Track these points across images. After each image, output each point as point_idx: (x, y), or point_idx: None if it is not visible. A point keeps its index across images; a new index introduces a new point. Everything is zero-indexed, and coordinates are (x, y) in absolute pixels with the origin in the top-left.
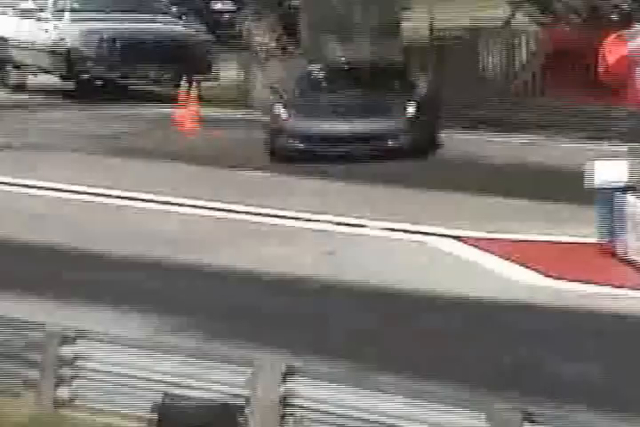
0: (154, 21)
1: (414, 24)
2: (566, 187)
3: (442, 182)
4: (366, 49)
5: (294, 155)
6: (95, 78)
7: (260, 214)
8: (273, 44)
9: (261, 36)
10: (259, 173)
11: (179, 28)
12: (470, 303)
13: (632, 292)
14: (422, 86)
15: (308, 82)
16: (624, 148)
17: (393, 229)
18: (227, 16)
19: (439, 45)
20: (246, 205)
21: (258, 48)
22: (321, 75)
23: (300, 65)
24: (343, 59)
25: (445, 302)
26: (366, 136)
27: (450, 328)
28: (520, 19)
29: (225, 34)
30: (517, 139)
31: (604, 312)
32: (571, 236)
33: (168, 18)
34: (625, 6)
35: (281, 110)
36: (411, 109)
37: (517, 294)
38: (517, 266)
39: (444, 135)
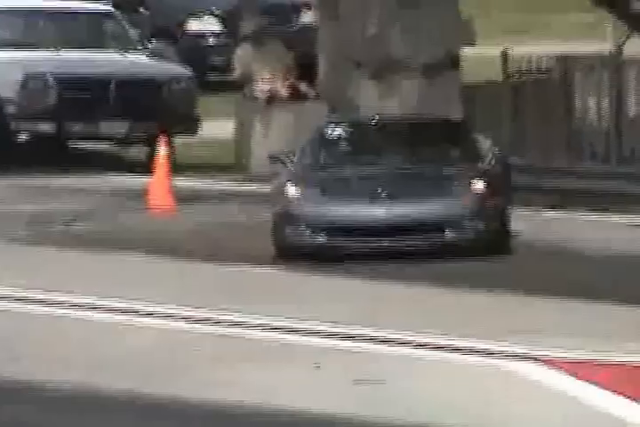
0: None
1: (478, 57)
2: None
3: (517, 284)
4: (412, 91)
5: (308, 251)
6: (22, 132)
7: (265, 327)
8: (278, 83)
9: (261, 69)
10: (263, 270)
11: (143, 59)
12: None
13: None
14: (490, 149)
15: (325, 145)
16: None
17: (458, 349)
18: (210, 40)
19: (515, 84)
20: (244, 315)
21: (256, 88)
22: (345, 134)
23: (316, 114)
24: (374, 115)
25: None
26: (414, 225)
27: None
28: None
29: (207, 67)
30: (629, 219)
31: None
32: None
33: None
34: None
35: (288, 187)
36: (479, 186)
37: None
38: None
39: (522, 214)
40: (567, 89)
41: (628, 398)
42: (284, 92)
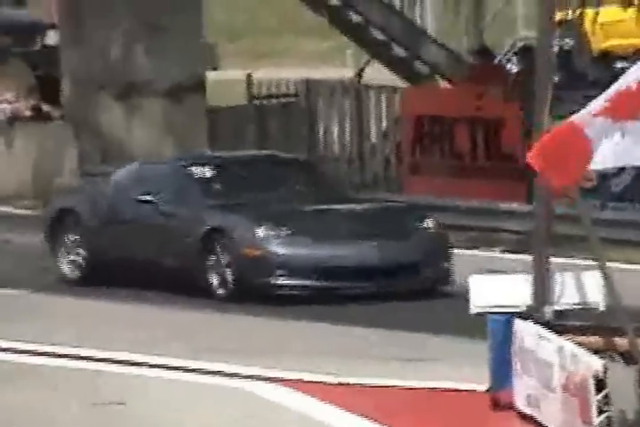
0: None
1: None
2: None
3: None
4: (157, 113)
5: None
6: None
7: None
8: (21, 103)
9: (3, 89)
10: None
11: None
12: None
13: None
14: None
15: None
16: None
17: (198, 370)
18: None
19: (259, 108)
20: None
21: None
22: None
23: (60, 134)
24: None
25: None
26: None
27: None
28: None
29: None
30: None
31: None
32: (449, 381)
33: None
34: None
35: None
36: (434, 224)
37: None
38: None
39: None
40: (310, 113)
41: (369, 418)
42: (26, 112)
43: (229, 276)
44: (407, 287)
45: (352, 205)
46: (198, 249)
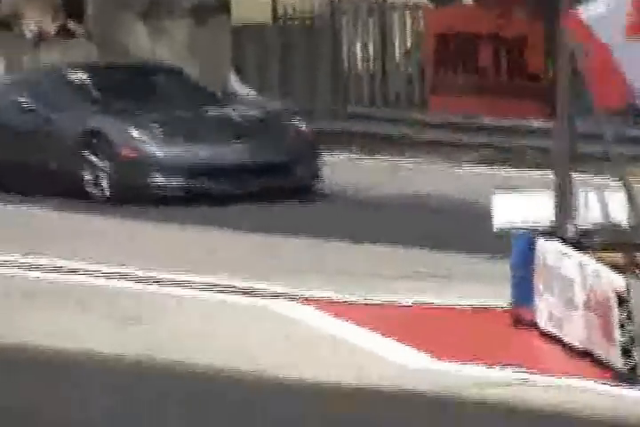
0: None
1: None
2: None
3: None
4: (181, 33)
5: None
6: None
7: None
8: (46, 20)
9: (28, 7)
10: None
11: None
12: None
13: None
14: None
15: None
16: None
17: (218, 288)
18: None
19: (284, 28)
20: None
21: (24, 26)
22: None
23: (85, 52)
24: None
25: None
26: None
27: None
28: None
29: None
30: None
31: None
32: (470, 298)
33: None
34: None
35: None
36: (303, 125)
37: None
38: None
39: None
40: (334, 32)
41: (382, 335)
42: (52, 30)
43: (108, 178)
44: (282, 186)
45: (224, 109)
46: (77, 152)
